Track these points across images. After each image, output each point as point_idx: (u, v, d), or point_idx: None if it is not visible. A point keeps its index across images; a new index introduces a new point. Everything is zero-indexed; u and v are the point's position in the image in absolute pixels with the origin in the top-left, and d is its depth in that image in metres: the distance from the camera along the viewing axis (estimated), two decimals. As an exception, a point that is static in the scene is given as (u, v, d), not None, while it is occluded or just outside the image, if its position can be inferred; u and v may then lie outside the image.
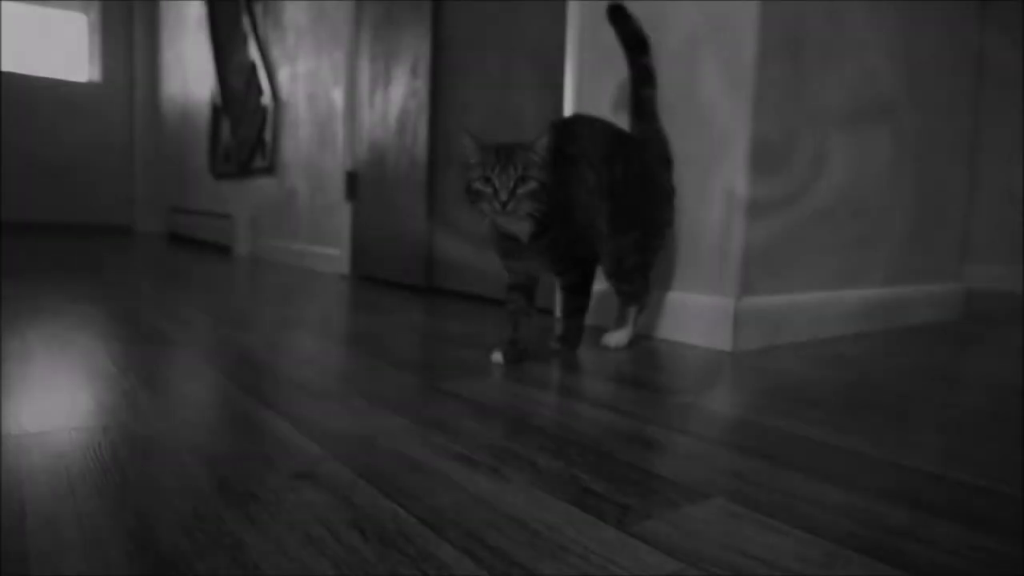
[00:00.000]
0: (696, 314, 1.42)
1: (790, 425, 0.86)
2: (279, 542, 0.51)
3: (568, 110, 1.71)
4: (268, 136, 3.49)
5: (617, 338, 1.36)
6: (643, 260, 1.35)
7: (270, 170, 3.48)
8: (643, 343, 1.42)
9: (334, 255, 2.87)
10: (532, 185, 1.07)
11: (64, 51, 5.27)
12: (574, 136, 1.23)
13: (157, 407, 0.85)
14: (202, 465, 0.66)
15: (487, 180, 1.06)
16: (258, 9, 3.59)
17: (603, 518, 0.57)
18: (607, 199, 1.24)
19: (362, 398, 0.92)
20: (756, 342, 1.39)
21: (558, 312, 1.59)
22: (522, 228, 1.12)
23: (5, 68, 4.88)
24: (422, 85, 2.30)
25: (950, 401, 1.02)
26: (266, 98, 3.48)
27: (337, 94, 2.84)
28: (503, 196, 1.05)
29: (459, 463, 0.69)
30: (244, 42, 3.72)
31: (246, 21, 3.68)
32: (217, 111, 4.18)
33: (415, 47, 2.33)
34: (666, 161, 1.40)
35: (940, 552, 0.53)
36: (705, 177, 1.41)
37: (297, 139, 3.23)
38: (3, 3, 4.88)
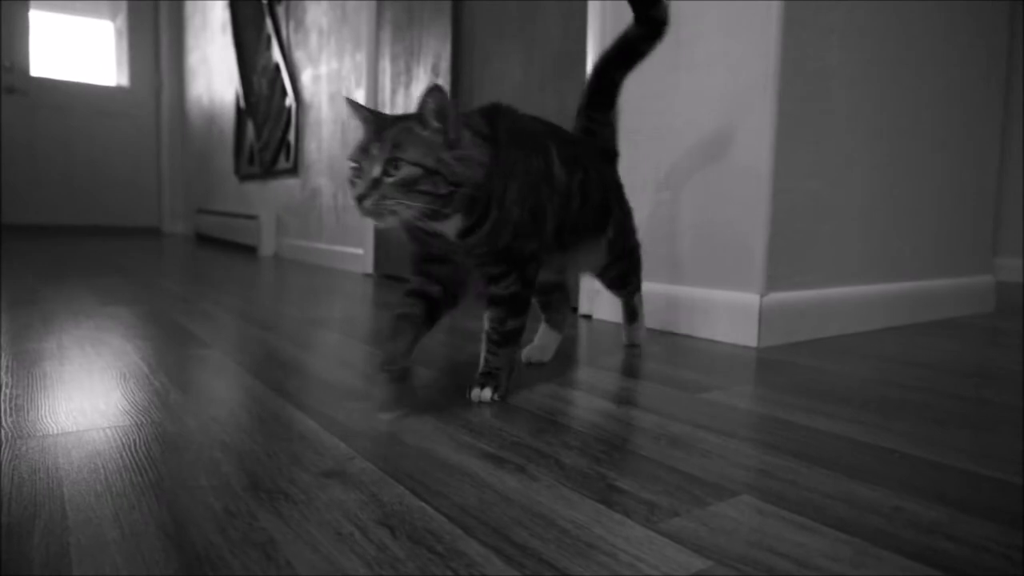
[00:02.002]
0: (721, 310, 1.41)
1: (818, 422, 0.85)
2: (310, 539, 0.52)
3: (590, 107, 1.71)
4: (292, 137, 3.52)
5: (644, 332, 1.35)
6: (636, 242, 1.28)
7: (294, 171, 3.52)
8: (667, 339, 1.41)
9: (358, 254, 2.89)
10: (408, 172, 0.78)
11: (93, 57, 5.38)
12: (519, 120, 0.96)
13: (188, 406, 0.87)
14: (233, 463, 0.67)
15: (355, 166, 0.81)
16: (280, 12, 3.63)
17: (630, 516, 0.57)
18: (574, 202, 1.02)
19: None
20: (782, 338, 1.38)
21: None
22: (447, 225, 0.86)
23: (37, 73, 4.99)
24: (443, 83, 2.30)
25: (982, 397, 1.00)
26: (289, 99, 3.52)
27: (359, 94, 2.86)
28: (360, 188, 0.79)
29: (485, 461, 0.70)
30: (267, 45, 3.76)
31: (269, 24, 3.72)
32: (242, 113, 4.23)
33: (436, 46, 2.34)
34: (612, 155, 1.24)
35: (973, 550, 0.52)
36: (729, 172, 1.40)
37: (320, 139, 3.26)
38: (35, 12, 4.99)
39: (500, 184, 0.86)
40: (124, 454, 0.69)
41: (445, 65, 2.29)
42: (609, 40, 1.65)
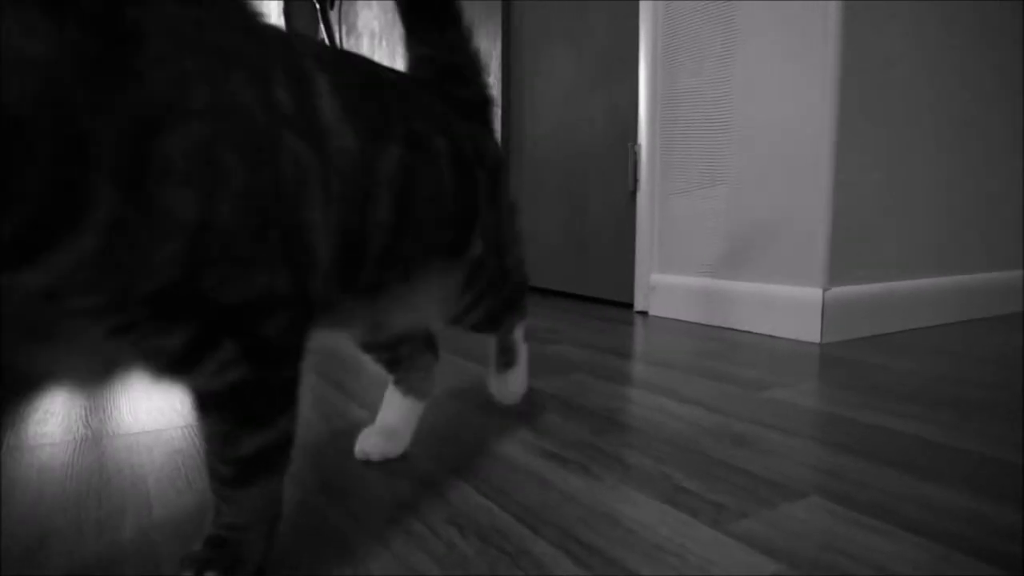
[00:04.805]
0: (781, 305, 1.38)
1: (887, 420, 0.83)
2: (381, 538, 0.54)
3: (643, 106, 1.69)
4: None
5: (524, 384, 0.84)
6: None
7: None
8: (727, 336, 1.39)
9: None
10: None
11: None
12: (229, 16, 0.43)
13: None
14: (302, 460, 0.70)
15: None
16: (333, 17, 3.70)
17: (697, 517, 0.57)
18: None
19: (446, 394, 0.95)
20: (845, 333, 1.35)
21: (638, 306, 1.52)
22: None
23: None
24: (494, 83, 2.31)
25: (1064, 394, 0.96)
26: (342, 102, 3.59)
27: (411, 95, 2.90)
28: None
29: (548, 460, 0.70)
30: (320, 49, 3.84)
31: (322, 29, 3.80)
32: (296, 117, 4.32)
33: (486, 46, 2.35)
34: (479, 106, 0.71)
35: (1061, 557, 0.50)
36: (788, 164, 1.37)
37: (373, 141, 3.32)
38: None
39: (128, 130, 0.33)
40: (201, 452, 0.72)
41: (495, 64, 2.29)
42: (661, 34, 1.64)
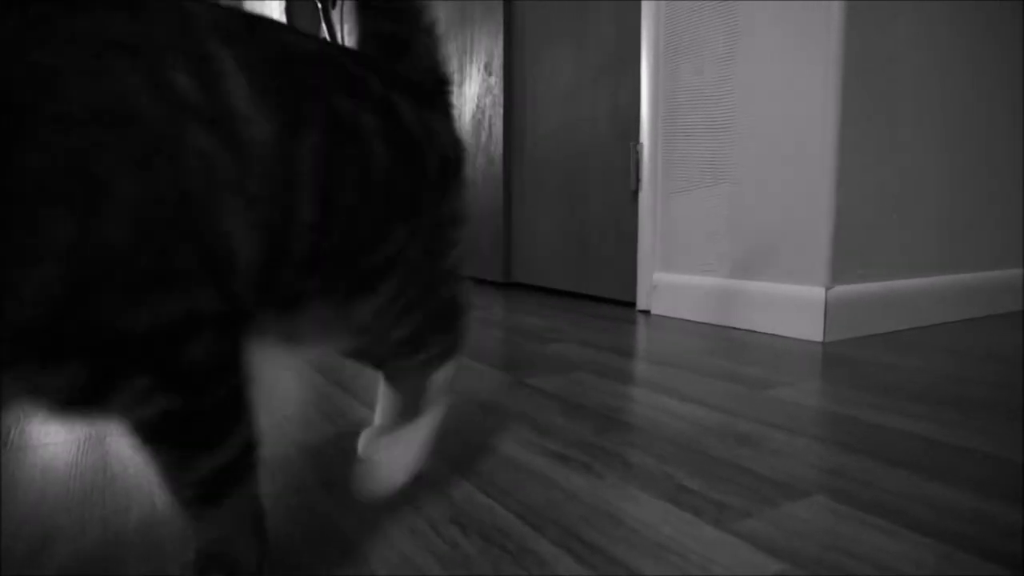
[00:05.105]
0: (784, 303, 1.38)
1: (891, 419, 0.83)
2: (384, 537, 0.54)
3: (644, 105, 1.69)
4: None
5: (418, 456, 0.64)
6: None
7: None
8: (729, 335, 1.39)
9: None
10: None
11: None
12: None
13: (258, 402, 0.90)
14: (306, 459, 0.70)
15: None
16: (335, 16, 3.70)
17: (700, 516, 0.57)
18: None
19: (451, 393, 0.95)
20: (848, 331, 1.34)
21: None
22: None
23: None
24: (496, 82, 2.31)
25: (1068, 393, 0.95)
26: (345, 102, 3.59)
27: (413, 95, 2.90)
28: None
29: (550, 459, 0.70)
30: (322, 48, 3.84)
31: (324, 29, 3.80)
32: (298, 116, 4.32)
33: (488, 45, 2.35)
34: (436, 86, 0.61)
35: (1066, 556, 0.50)
36: (790, 162, 1.37)
37: (375, 140, 3.32)
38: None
39: None
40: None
41: (498, 64, 2.29)
42: (664, 32, 1.63)
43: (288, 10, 4.41)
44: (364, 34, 0.59)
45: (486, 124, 2.38)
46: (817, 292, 1.31)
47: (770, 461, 0.69)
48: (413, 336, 0.59)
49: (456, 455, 0.71)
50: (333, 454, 0.72)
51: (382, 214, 0.50)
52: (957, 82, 1.52)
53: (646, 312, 1.71)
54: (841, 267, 1.33)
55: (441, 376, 0.65)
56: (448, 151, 0.58)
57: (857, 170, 1.33)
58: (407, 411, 0.65)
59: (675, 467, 0.68)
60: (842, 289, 1.33)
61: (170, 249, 0.34)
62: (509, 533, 0.54)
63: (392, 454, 0.63)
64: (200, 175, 0.36)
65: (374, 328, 0.55)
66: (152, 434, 0.38)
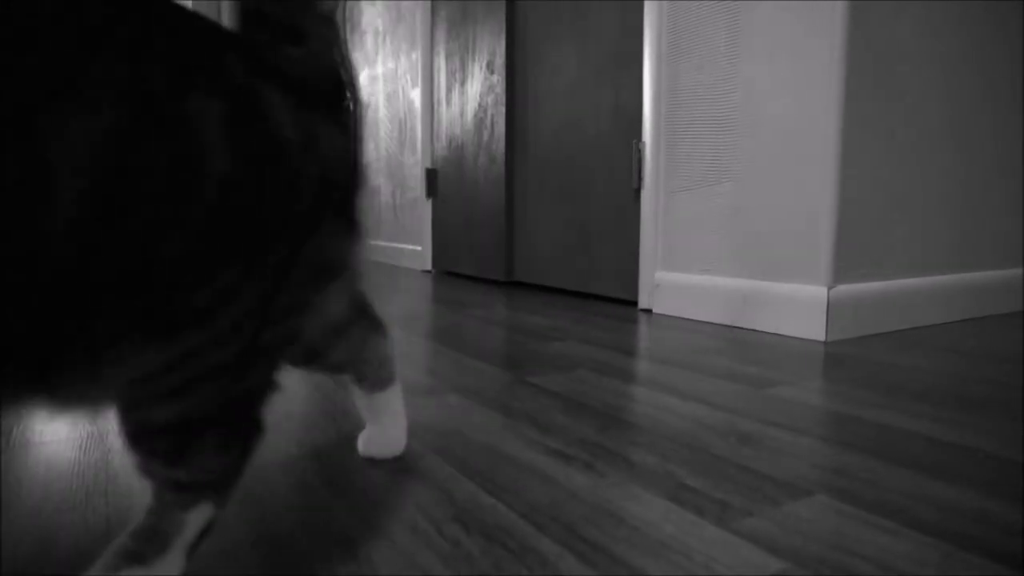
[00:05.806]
0: (786, 303, 1.38)
1: (893, 418, 0.83)
2: (386, 536, 0.54)
3: (647, 103, 1.69)
4: (349, 137, 3.59)
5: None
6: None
7: (352, 170, 3.59)
8: (732, 334, 1.39)
9: (416, 251, 2.94)
10: None
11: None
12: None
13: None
14: (308, 459, 0.70)
15: None
16: (337, 15, 3.70)
17: (702, 515, 0.57)
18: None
19: (453, 392, 0.95)
20: (851, 331, 1.34)
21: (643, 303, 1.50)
22: None
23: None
24: (498, 80, 2.31)
25: (1072, 392, 0.95)
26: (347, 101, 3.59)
27: (415, 93, 2.90)
28: None
29: (553, 457, 0.70)
30: (324, 47, 3.84)
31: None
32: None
33: (491, 43, 2.35)
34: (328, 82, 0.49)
35: (1069, 556, 0.50)
36: (793, 160, 1.36)
37: (377, 138, 3.32)
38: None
39: None
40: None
41: (500, 62, 2.29)
42: (667, 29, 1.63)
43: None
44: (245, 12, 0.45)
45: (488, 122, 2.38)
46: (819, 291, 1.31)
47: (772, 460, 0.69)
48: (174, 428, 0.41)
49: (458, 454, 0.71)
50: (335, 454, 0.72)
51: (202, 242, 0.36)
52: (961, 81, 1.51)
53: (648, 311, 1.71)
54: (844, 266, 1.33)
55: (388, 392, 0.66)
56: (334, 172, 0.45)
57: (860, 169, 1.33)
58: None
59: (677, 466, 0.68)
60: (845, 288, 1.33)
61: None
62: (511, 532, 0.54)
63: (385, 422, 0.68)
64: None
65: (123, 400, 0.40)
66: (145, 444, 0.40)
